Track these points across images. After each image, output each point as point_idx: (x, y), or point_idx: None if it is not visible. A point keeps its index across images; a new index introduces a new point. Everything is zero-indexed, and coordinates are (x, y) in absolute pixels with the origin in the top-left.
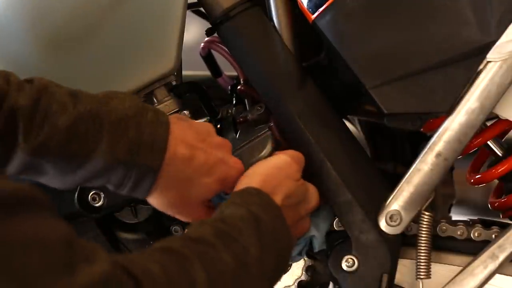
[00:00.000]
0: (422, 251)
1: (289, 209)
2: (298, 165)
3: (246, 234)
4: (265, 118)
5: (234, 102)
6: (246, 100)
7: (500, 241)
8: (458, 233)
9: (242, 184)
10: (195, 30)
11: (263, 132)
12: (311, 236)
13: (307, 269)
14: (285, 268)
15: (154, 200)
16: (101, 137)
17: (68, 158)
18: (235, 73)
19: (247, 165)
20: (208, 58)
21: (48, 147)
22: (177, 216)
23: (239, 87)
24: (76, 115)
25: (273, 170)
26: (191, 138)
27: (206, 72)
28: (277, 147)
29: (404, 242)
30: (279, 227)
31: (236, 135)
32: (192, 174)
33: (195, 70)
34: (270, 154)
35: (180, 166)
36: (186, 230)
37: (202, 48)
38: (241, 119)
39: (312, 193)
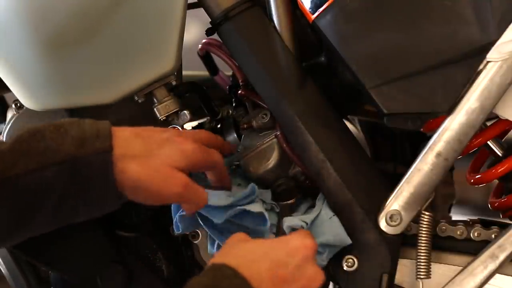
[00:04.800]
0: (422, 251)
1: None
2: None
3: None
4: (270, 125)
5: (234, 104)
6: (246, 104)
7: (500, 241)
8: (458, 233)
9: (233, 251)
10: (195, 30)
11: (268, 139)
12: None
13: None
14: None
15: (126, 187)
16: (45, 145)
17: (23, 176)
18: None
19: (256, 174)
20: (205, 58)
21: (0, 173)
22: (160, 197)
23: (239, 91)
24: (16, 138)
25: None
26: (130, 129)
27: (206, 72)
28: (283, 156)
29: (404, 242)
30: None
31: (238, 137)
32: (144, 150)
33: (195, 70)
34: (277, 163)
35: (129, 145)
36: None
37: (200, 49)
38: (245, 125)
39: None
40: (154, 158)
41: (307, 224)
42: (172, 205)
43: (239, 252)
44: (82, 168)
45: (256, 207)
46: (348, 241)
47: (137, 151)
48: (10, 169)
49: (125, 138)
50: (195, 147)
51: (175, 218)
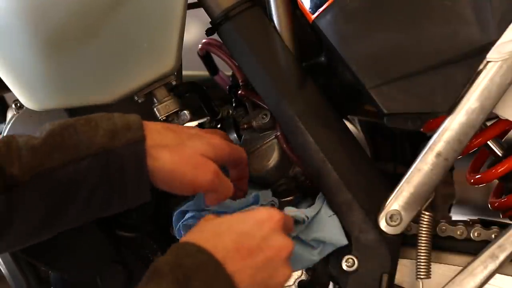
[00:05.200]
0: (422, 251)
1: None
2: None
3: None
4: (270, 126)
5: (234, 104)
6: (246, 104)
7: (500, 241)
8: (458, 233)
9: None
10: (195, 30)
11: (269, 139)
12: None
13: (307, 269)
14: None
15: (158, 175)
16: (77, 138)
17: (58, 169)
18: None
19: (256, 174)
20: (206, 58)
21: (37, 167)
22: (193, 185)
23: (239, 91)
24: (48, 132)
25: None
26: (160, 123)
27: (206, 72)
28: (283, 156)
29: (404, 242)
30: None
31: (238, 137)
32: (175, 140)
33: (195, 70)
34: (277, 163)
35: (161, 136)
36: None
37: (200, 49)
38: (245, 126)
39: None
40: (186, 148)
41: (308, 218)
42: (175, 213)
43: (204, 229)
44: (115, 159)
45: None
46: (344, 242)
47: (169, 141)
48: (45, 162)
49: (157, 130)
50: (223, 141)
51: (178, 225)
